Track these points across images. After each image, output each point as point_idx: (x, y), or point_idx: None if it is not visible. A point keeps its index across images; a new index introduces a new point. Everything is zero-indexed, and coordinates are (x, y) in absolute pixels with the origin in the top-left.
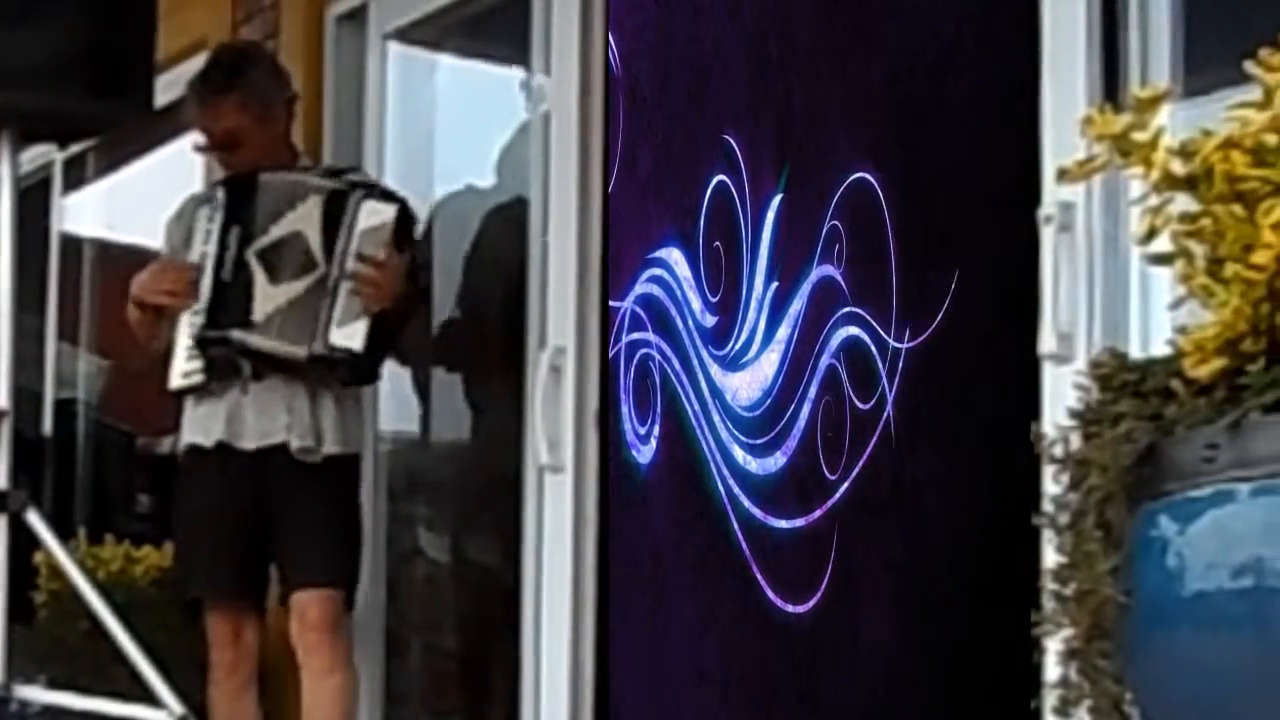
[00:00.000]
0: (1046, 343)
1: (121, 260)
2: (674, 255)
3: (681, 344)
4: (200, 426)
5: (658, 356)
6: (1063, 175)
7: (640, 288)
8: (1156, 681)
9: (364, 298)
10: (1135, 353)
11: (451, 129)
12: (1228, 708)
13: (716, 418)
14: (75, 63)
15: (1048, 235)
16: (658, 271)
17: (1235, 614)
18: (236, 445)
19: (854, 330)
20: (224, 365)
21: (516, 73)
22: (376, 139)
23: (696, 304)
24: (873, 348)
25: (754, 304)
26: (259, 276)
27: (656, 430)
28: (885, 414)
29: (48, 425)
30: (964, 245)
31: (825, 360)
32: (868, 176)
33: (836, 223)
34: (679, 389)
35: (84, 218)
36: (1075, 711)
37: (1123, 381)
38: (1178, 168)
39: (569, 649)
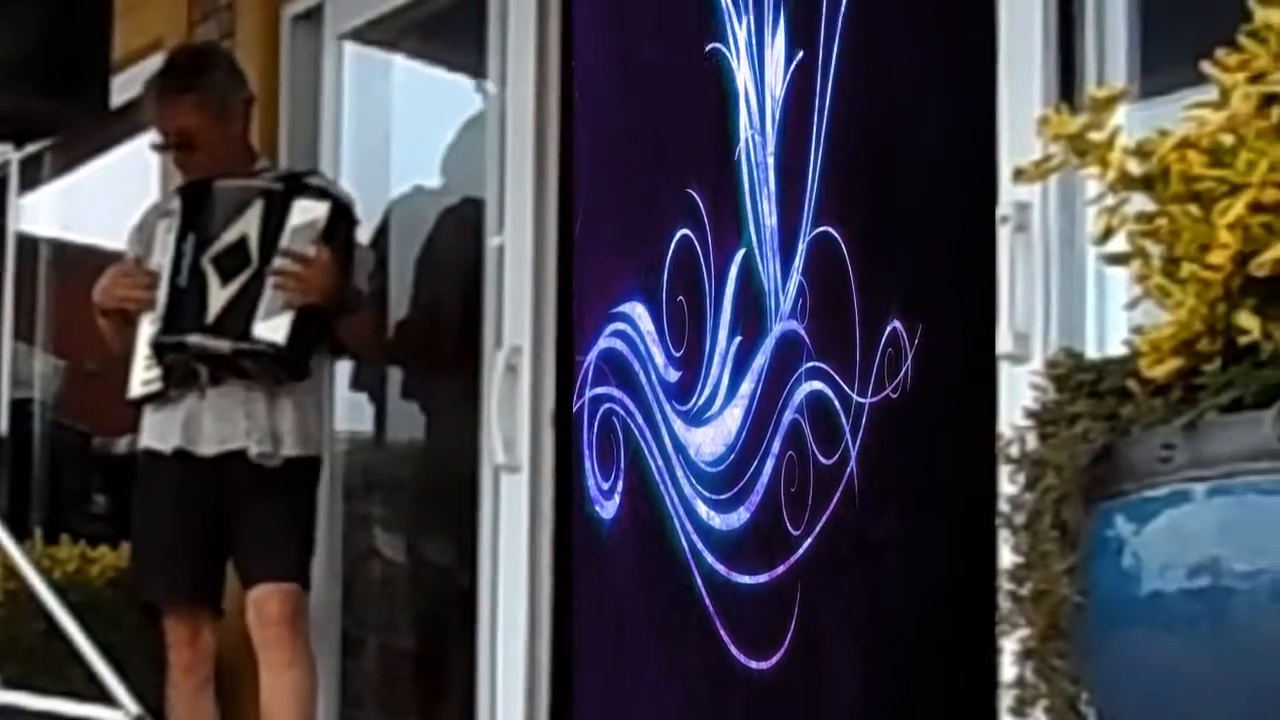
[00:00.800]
0: (1003, 342)
1: (78, 260)
2: (637, 309)
3: (645, 398)
4: (156, 432)
5: (621, 411)
6: (1019, 175)
7: (604, 342)
8: (1112, 681)
9: (287, 291)
10: (1091, 353)
11: (407, 129)
12: (1183, 707)
13: (680, 473)
14: (30, 62)
15: (1004, 235)
16: (621, 326)
17: (1191, 614)
18: (194, 451)
19: (818, 385)
20: (181, 371)
21: (471, 74)
22: (332, 139)
23: (660, 358)
24: (836, 403)
25: (717, 358)
26: (213, 281)
27: (620, 485)
28: (849, 470)
29: (3, 425)
30: (928, 300)
31: (789, 415)
32: (831, 231)
33: (800, 277)
34: (642, 444)
35: (40, 218)
36: (1031, 711)
37: (1079, 381)
38: (1134, 168)
39: (525, 648)
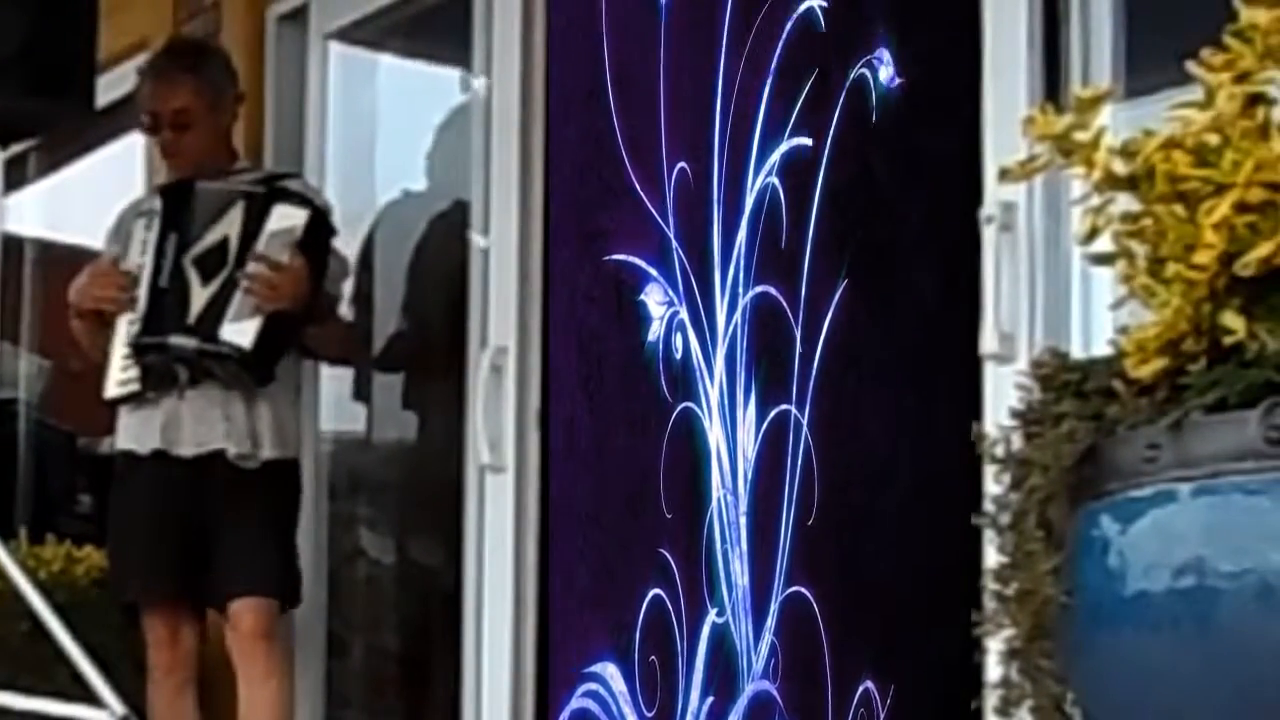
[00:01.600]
0: (988, 342)
1: (63, 260)
2: (609, 669)
3: None
4: (134, 434)
5: None
6: (1004, 175)
7: (576, 702)
8: (1098, 681)
9: (256, 296)
10: (1077, 353)
11: (393, 129)
12: (1169, 707)
13: None
14: (15, 62)
15: (989, 235)
16: (593, 686)
17: (1176, 614)
18: (173, 453)
19: None
20: (160, 372)
21: (457, 72)
22: (318, 139)
23: (631, 718)
24: None
25: (690, 718)
26: (194, 282)
27: None
28: None
29: None
30: (900, 660)
31: None
32: (803, 590)
33: (772, 637)
34: None
35: (25, 217)
36: (1016, 712)
37: (1064, 381)
38: (1119, 168)
39: (510, 649)
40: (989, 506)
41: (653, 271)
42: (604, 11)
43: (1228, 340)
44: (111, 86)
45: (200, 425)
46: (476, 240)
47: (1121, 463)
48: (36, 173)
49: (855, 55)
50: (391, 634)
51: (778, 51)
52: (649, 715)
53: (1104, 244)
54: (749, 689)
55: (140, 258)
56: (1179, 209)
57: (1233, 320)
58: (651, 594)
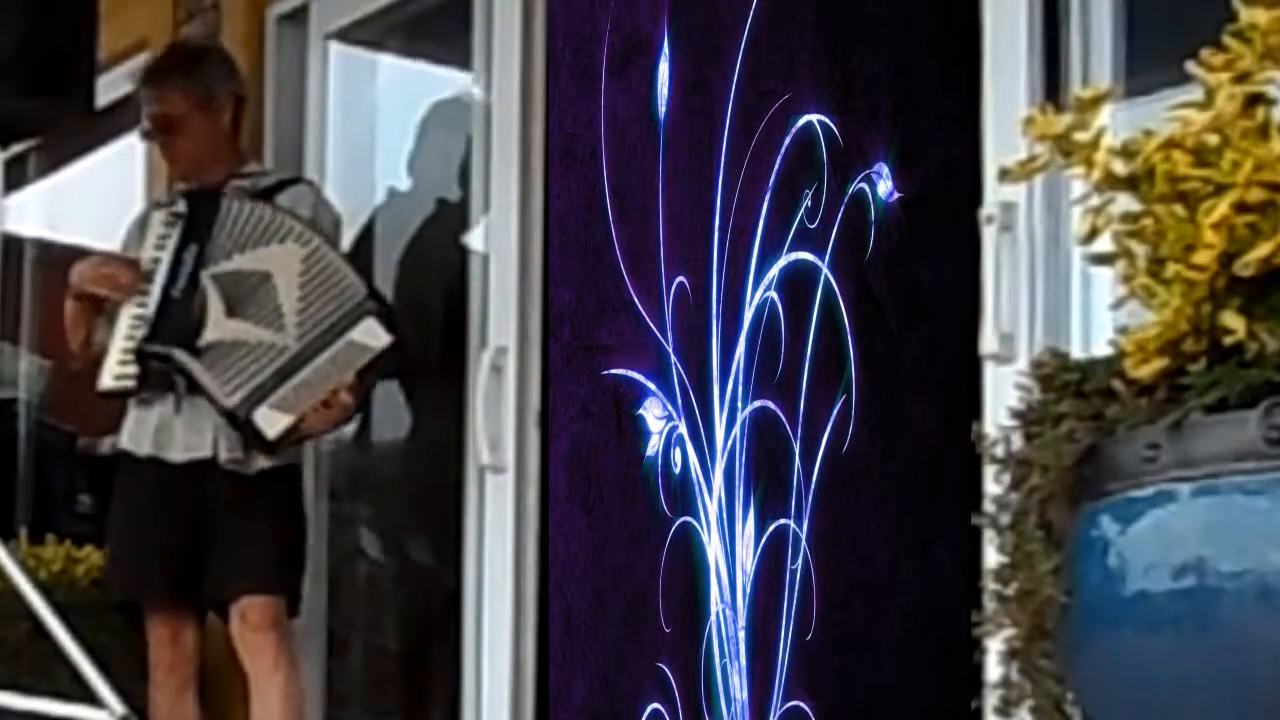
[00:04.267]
0: (988, 343)
1: (63, 260)
2: None
3: None
4: (132, 434)
5: None
6: (1004, 175)
7: None
8: (1098, 681)
9: (307, 413)
10: (1077, 353)
11: (393, 129)
12: (1169, 708)
13: None
14: (15, 62)
15: (989, 235)
16: None
17: (1176, 614)
18: (164, 458)
19: None
20: (159, 378)
21: (457, 73)
22: (318, 139)
23: None
24: None
25: None
26: (215, 303)
27: None
28: None
29: None
30: None
31: None
32: (802, 705)
33: None
34: None
35: (25, 218)
36: (1016, 712)
37: (1064, 381)
38: (1119, 168)
39: (510, 649)
40: (989, 506)
41: (651, 386)
42: (602, 123)
43: (1228, 340)
44: (111, 86)
45: (191, 432)
46: (476, 240)
47: (1121, 463)
48: (36, 173)
49: (854, 169)
50: (391, 634)
51: (777, 164)
52: None
53: (1104, 244)
54: None
55: (156, 252)
56: (1179, 209)
57: (1233, 320)
58: (650, 709)
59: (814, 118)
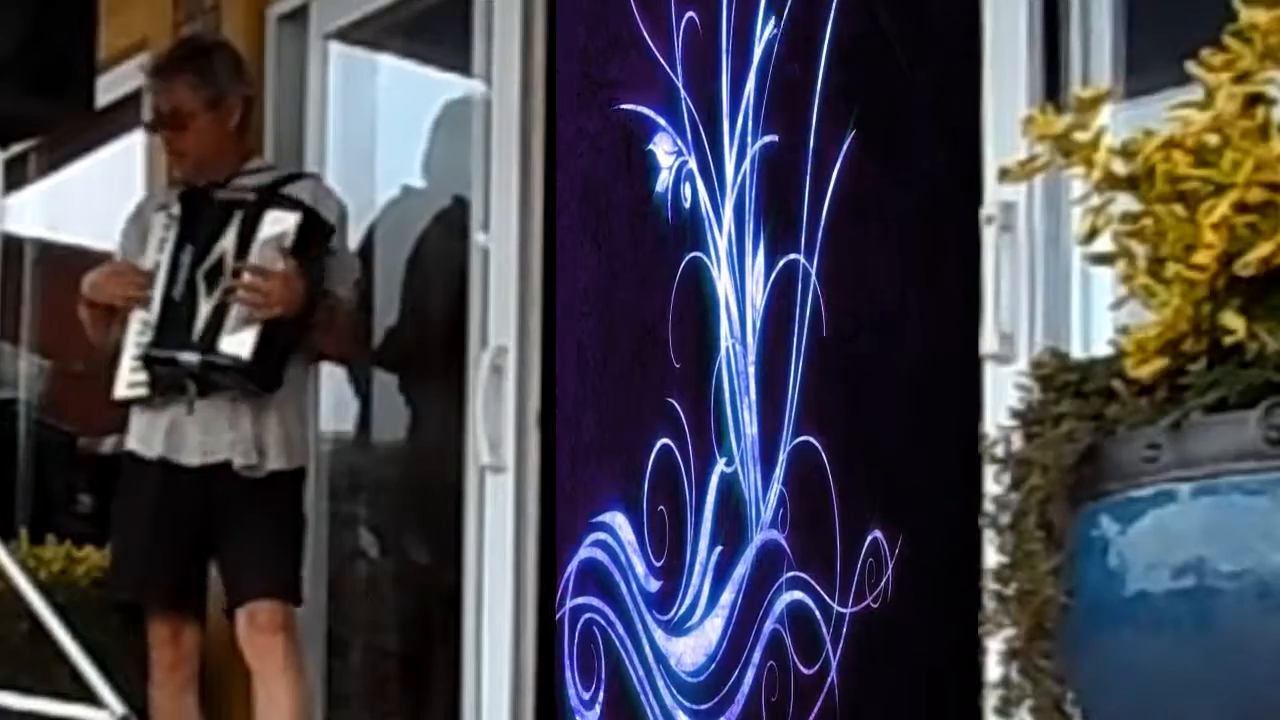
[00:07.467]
0: (988, 343)
1: (63, 260)
2: (618, 519)
3: (625, 608)
4: (141, 437)
5: (601, 621)
6: (1004, 175)
7: (584, 552)
8: (1098, 681)
9: (247, 306)
10: (1077, 353)
11: (393, 129)
12: (1168, 707)
13: (661, 683)
14: (14, 62)
15: (989, 235)
16: (601, 536)
17: (1176, 614)
18: (178, 460)
19: (798, 595)
20: (169, 382)
21: (456, 73)
22: (318, 139)
23: (640, 568)
24: (817, 613)
25: (698, 568)
26: (202, 296)
27: (601, 696)
28: (829, 680)
29: None
30: (909, 509)
31: (769, 625)
32: (812, 440)
33: (781, 487)
34: (623, 654)
35: (26, 218)
36: (1016, 711)
37: (1064, 381)
38: (1119, 168)
39: (510, 649)
40: (989, 506)
41: (661, 121)
42: None
43: (1228, 340)
44: (111, 86)
45: (207, 435)
46: (476, 240)
47: (1122, 463)
48: (36, 173)
49: None
50: (391, 634)
51: None
52: (657, 565)
53: (1104, 244)
54: (757, 538)
55: (158, 254)
56: (1179, 209)
57: (1232, 320)
58: (660, 444)
59: None
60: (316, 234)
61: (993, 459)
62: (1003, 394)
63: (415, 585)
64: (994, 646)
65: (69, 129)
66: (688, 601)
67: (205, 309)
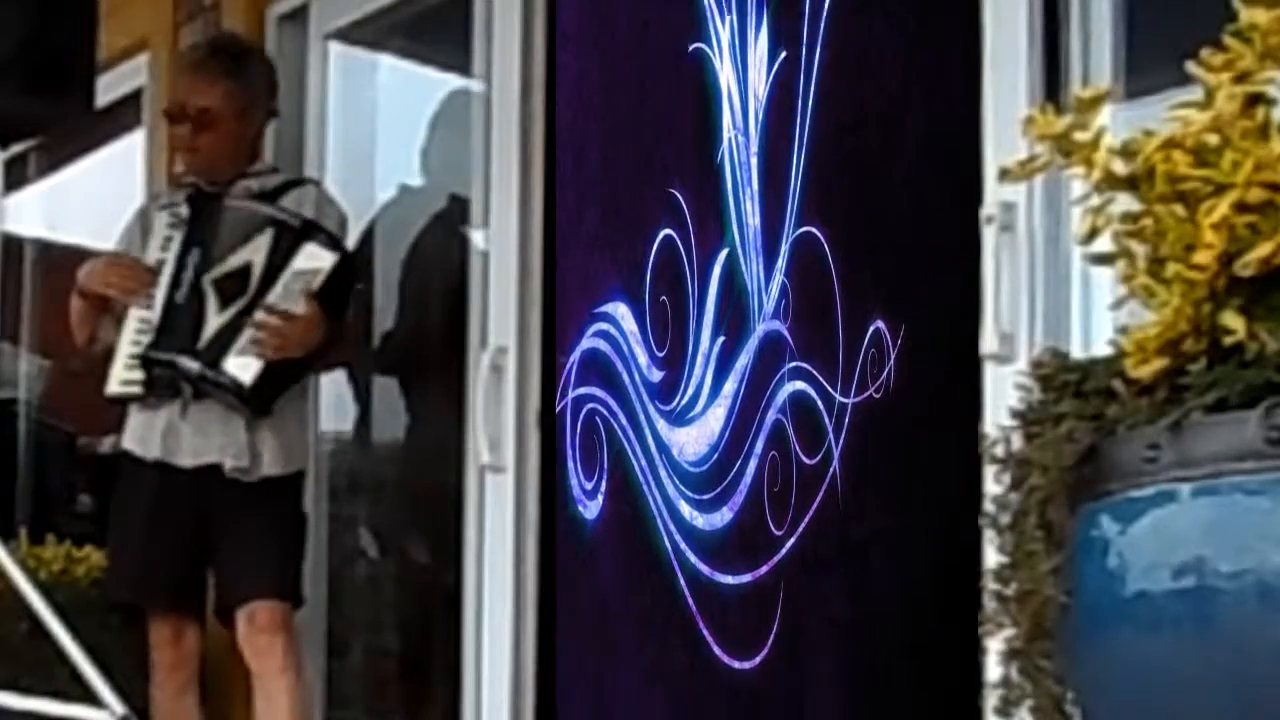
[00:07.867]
0: (988, 343)
1: (63, 261)
2: (620, 310)
3: (628, 399)
4: (138, 437)
5: (604, 411)
6: (1004, 175)
7: (586, 342)
8: (1098, 681)
9: (262, 344)
10: (1077, 353)
11: (393, 129)
12: (1169, 708)
13: (663, 473)
14: (14, 62)
15: (989, 235)
16: (604, 326)
17: (1176, 614)
18: (172, 462)
19: (801, 385)
20: (165, 384)
21: (457, 73)
22: (318, 138)
23: (643, 358)
24: (819, 403)
25: (700, 359)
26: (211, 304)
27: (603, 486)
28: (832, 470)
29: None
30: (911, 300)
31: (772, 415)
32: (814, 231)
33: (783, 278)
34: (625, 444)
35: (25, 218)
36: (1016, 711)
37: (1064, 381)
38: (1119, 168)
39: (510, 649)
40: (989, 506)
41: None
42: None
43: (1228, 340)
44: (111, 86)
45: (199, 438)
46: (476, 240)
47: (1121, 463)
48: (36, 173)
49: None
50: (391, 634)
51: None
52: (660, 355)
53: (1104, 244)
54: (760, 329)
55: (161, 253)
56: (1179, 209)
57: (1233, 320)
58: (663, 234)
59: None
60: (349, 277)
61: (993, 459)
62: (1003, 394)
63: (415, 585)
64: (994, 646)
65: (69, 129)
66: (690, 391)
67: (215, 320)
